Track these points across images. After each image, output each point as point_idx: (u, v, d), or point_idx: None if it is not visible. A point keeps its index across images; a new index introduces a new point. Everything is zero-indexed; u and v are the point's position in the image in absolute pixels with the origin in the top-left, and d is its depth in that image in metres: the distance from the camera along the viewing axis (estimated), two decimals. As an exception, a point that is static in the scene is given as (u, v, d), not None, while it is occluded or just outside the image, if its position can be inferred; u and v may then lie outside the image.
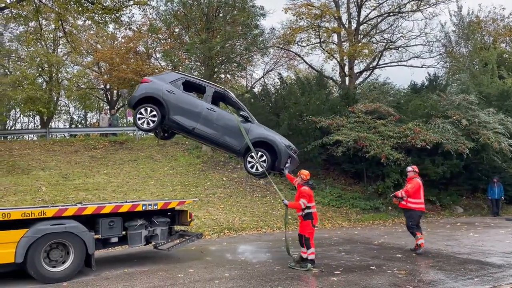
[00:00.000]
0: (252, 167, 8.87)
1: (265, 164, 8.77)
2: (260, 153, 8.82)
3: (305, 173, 8.28)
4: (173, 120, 8.71)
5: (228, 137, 8.86)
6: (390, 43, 26.05)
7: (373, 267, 8.01)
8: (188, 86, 9.26)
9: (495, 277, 7.24)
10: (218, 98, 9.58)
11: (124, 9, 19.98)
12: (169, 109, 8.67)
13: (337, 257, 9.02)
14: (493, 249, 9.96)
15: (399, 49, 26.21)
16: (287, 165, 9.00)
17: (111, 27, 24.40)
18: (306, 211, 8.00)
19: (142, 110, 8.67)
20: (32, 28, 21.63)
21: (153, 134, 10.61)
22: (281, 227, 12.97)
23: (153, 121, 8.67)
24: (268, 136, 9.01)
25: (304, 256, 8.05)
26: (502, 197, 17.73)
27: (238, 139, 8.82)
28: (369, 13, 25.35)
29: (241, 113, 9.15)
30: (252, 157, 8.79)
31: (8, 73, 30.02)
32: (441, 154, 16.16)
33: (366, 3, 25.00)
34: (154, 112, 8.64)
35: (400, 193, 9.84)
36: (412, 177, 9.90)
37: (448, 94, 18.55)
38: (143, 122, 8.68)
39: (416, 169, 10.10)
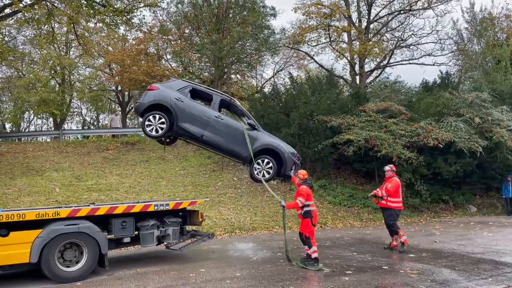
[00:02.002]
0: (258, 173, 9.12)
1: (271, 171, 9.10)
2: (266, 160, 9.10)
3: (302, 172, 8.45)
4: (182, 128, 8.80)
5: (235, 144, 9.02)
6: (401, 41, 25.90)
7: (385, 267, 7.96)
8: (195, 94, 9.37)
9: (509, 276, 7.14)
10: (223, 106, 9.71)
11: (134, 11, 20.17)
12: (177, 117, 8.75)
13: (349, 257, 8.99)
14: (507, 248, 9.83)
15: (410, 47, 26.09)
16: (292, 171, 9.22)
17: (122, 29, 24.69)
18: (305, 209, 8.10)
19: (151, 117, 8.73)
20: (44, 31, 21.94)
21: (156, 140, 10.60)
22: (292, 227, 12.97)
23: (162, 128, 8.75)
24: (273, 144, 9.27)
25: (311, 255, 8.09)
26: (517, 196, 17.47)
27: (245, 146, 8.97)
28: (380, 11, 25.27)
29: (248, 121, 9.33)
30: (259, 163, 9.04)
31: (22, 75, 30.49)
32: (454, 153, 15.98)
33: (376, 1, 24.91)
34: (163, 120, 8.72)
35: (380, 192, 9.82)
36: (390, 176, 9.92)
37: (461, 92, 18.37)
38: (152, 129, 8.75)
39: (394, 168, 10.13)
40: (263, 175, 9.08)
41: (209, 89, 9.96)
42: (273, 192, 9.45)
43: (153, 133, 8.77)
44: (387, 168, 10.13)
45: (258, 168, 9.10)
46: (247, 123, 9.31)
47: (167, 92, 8.93)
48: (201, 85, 10.52)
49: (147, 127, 8.74)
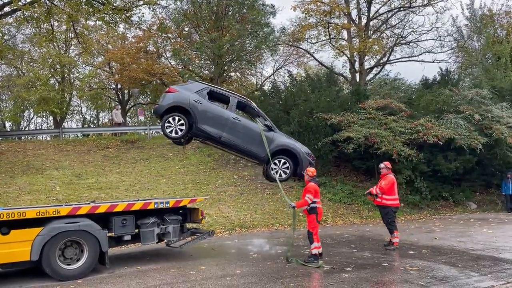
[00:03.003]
0: (275, 173, 9.37)
1: (288, 171, 9.37)
2: (283, 160, 9.34)
3: (311, 170, 8.62)
4: (201, 129, 8.97)
5: (252, 145, 9.22)
6: (401, 38, 25.88)
7: (385, 264, 7.98)
8: (212, 96, 9.53)
9: (508, 273, 7.16)
10: (239, 107, 9.89)
11: (134, 9, 20.18)
12: (196, 118, 8.92)
13: (349, 254, 9.01)
14: (507, 245, 9.84)
15: (410, 44, 26.07)
16: None
17: (121, 27, 24.67)
18: (312, 205, 8.23)
19: (170, 119, 8.91)
20: (44, 30, 21.93)
21: (173, 142, 10.77)
22: (292, 224, 12.98)
23: (181, 130, 8.94)
24: (290, 144, 9.53)
25: (312, 251, 8.20)
26: (517, 193, 17.47)
27: (262, 147, 9.18)
28: (379, 8, 25.23)
29: (265, 122, 9.56)
30: (275, 164, 9.30)
31: (22, 74, 30.49)
32: (454, 150, 15.99)
33: (376, -2, 24.84)
34: (182, 121, 8.90)
35: (374, 190, 9.82)
36: (386, 173, 9.87)
37: (461, 89, 18.36)
38: (171, 130, 8.94)
39: (389, 166, 10.06)
40: (280, 175, 9.35)
41: (226, 91, 10.19)
42: (285, 194, 9.66)
43: (173, 134, 8.98)
44: (381, 165, 10.09)
45: (275, 168, 9.35)
46: (264, 124, 9.52)
47: (185, 94, 9.10)
48: (218, 87, 10.77)
49: (166, 128, 8.94)
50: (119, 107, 29.37)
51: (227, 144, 9.19)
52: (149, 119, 36.79)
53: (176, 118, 8.89)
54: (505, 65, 22.56)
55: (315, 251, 8.12)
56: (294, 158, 9.42)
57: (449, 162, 16.19)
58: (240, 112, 10.56)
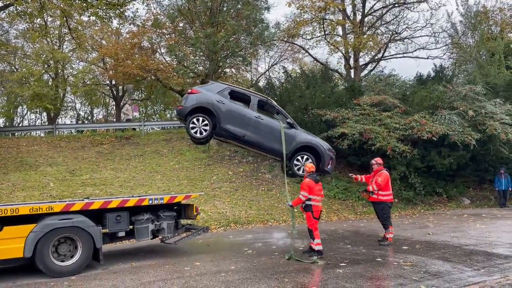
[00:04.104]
0: (298, 169, 9.64)
1: None
2: (306, 156, 9.60)
3: (308, 165, 8.71)
4: (225, 129, 9.14)
5: (275, 143, 9.39)
6: (396, 35, 25.93)
7: (379, 259, 8.02)
8: (233, 96, 9.65)
9: (501, 268, 7.22)
10: (259, 106, 10.00)
11: (128, 4, 20.04)
12: (220, 118, 9.07)
13: (343, 250, 9.04)
14: (500, 240, 9.93)
15: (405, 40, 26.16)
16: (329, 167, 9.80)
17: (115, 22, 24.51)
18: (306, 202, 8.28)
19: (195, 120, 9.06)
20: (37, 25, 21.74)
21: (193, 142, 10.83)
22: (287, 220, 13.03)
23: (205, 130, 9.13)
24: (312, 141, 9.80)
25: (313, 247, 8.26)
26: (510, 188, 17.60)
27: (286, 144, 9.35)
28: (374, 4, 25.26)
29: (287, 120, 9.75)
30: (298, 160, 9.59)
31: (15, 70, 30.24)
32: (448, 146, 16.09)
33: (371, -6, 24.84)
34: (206, 122, 9.06)
35: (371, 187, 9.83)
36: (378, 169, 9.89)
37: (455, 85, 18.44)
38: (196, 131, 9.13)
39: (380, 162, 10.06)
40: (303, 171, 9.45)
41: (247, 90, 10.38)
42: (287, 192, 9.87)
43: (198, 135, 9.16)
44: (372, 162, 10.11)
45: (298, 165, 9.60)
46: (286, 122, 9.67)
47: (208, 95, 9.24)
48: (238, 87, 10.93)
49: (191, 129, 9.11)
50: (131, 102, 29.08)
51: (251, 142, 9.35)
52: (143, 115, 36.66)
53: (200, 119, 9.05)
54: (499, 62, 22.68)
55: (317, 247, 8.18)
56: (316, 154, 9.63)
57: (443, 158, 16.28)
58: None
